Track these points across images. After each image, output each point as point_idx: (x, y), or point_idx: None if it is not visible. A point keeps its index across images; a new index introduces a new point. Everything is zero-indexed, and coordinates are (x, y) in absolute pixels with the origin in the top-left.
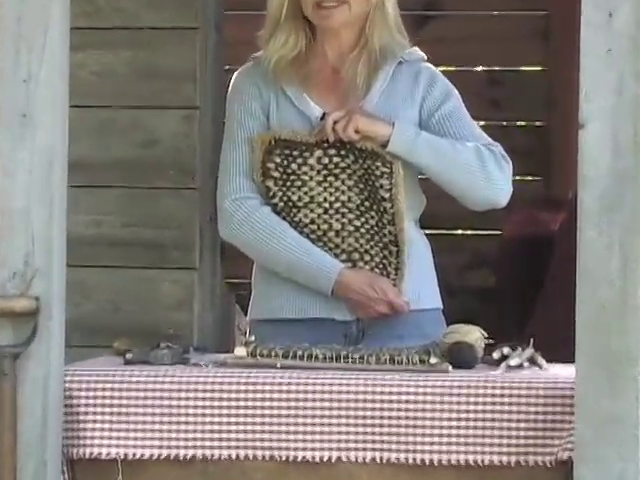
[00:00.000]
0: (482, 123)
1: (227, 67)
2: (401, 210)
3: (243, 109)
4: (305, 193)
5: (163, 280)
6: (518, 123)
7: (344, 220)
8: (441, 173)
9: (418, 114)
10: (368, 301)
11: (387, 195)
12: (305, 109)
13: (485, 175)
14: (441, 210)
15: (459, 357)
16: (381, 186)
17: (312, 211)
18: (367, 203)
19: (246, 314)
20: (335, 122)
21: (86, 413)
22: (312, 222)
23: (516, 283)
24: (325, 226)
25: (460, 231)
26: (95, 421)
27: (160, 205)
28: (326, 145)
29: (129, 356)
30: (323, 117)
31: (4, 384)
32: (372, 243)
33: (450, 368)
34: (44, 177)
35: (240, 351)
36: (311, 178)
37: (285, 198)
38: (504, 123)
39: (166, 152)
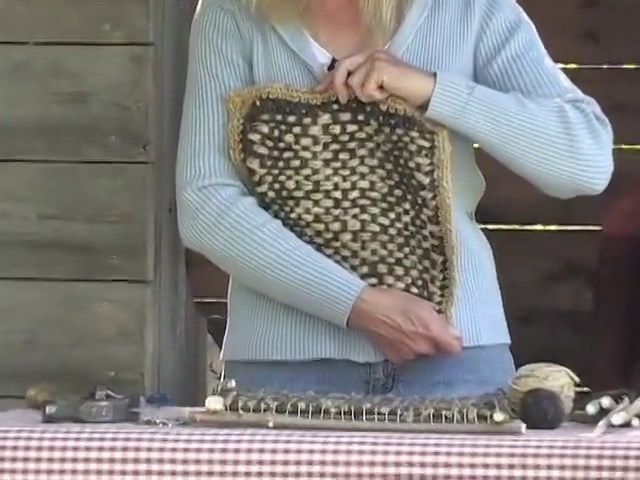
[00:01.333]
0: (572, 66)
1: None
2: (447, 202)
3: (213, 53)
4: (306, 177)
5: (100, 299)
6: (625, 65)
7: (364, 216)
8: (506, 146)
9: (472, 60)
10: (400, 336)
11: (427, 180)
12: (305, 54)
13: (572, 147)
14: (508, 197)
15: (536, 412)
16: (418, 167)
17: (317, 204)
18: (398, 191)
19: (220, 347)
20: (350, 73)
21: None
22: (317, 220)
23: (622, 303)
24: (336, 225)
25: (539, 227)
26: None
27: (96, 188)
28: (336, 107)
29: (51, 410)
30: (332, 66)
31: None
32: (407, 250)
33: (524, 428)
34: None
35: (215, 403)
36: (315, 155)
37: (277, 185)
38: (604, 66)
39: (105, 110)
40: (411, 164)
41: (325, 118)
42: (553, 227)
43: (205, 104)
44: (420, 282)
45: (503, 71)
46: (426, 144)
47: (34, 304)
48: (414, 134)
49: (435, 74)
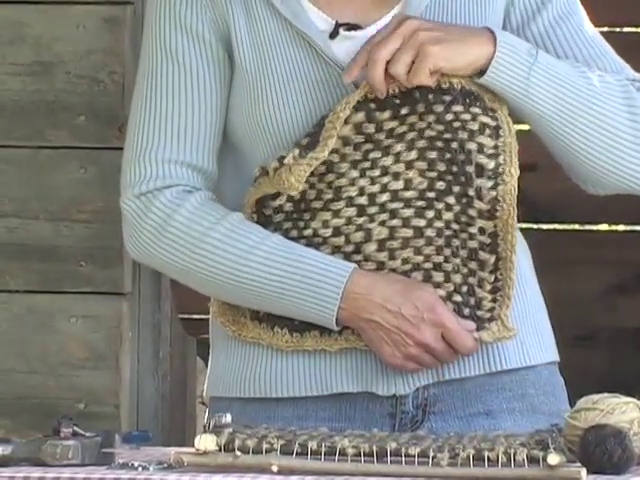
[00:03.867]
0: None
1: None
2: (512, 193)
3: (173, 24)
4: (329, 184)
5: (66, 315)
6: None
7: (394, 222)
8: (566, 127)
9: (502, 20)
10: (401, 323)
11: (491, 164)
12: (300, 20)
13: (637, 137)
14: (566, 190)
15: (600, 453)
16: (480, 148)
17: (337, 214)
18: (441, 184)
19: (205, 381)
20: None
21: None
22: (336, 233)
23: None
24: (358, 235)
25: (604, 226)
26: None
27: (60, 179)
28: (373, 106)
29: (6, 450)
30: (335, 32)
31: None
32: (447, 252)
33: (584, 474)
34: None
35: (206, 442)
36: (343, 157)
37: (297, 196)
38: None
39: (72, 83)
40: (471, 145)
41: (359, 117)
42: (621, 227)
43: (157, 90)
44: (465, 288)
45: (545, 36)
46: (491, 122)
47: None
48: (477, 110)
49: (492, 32)
